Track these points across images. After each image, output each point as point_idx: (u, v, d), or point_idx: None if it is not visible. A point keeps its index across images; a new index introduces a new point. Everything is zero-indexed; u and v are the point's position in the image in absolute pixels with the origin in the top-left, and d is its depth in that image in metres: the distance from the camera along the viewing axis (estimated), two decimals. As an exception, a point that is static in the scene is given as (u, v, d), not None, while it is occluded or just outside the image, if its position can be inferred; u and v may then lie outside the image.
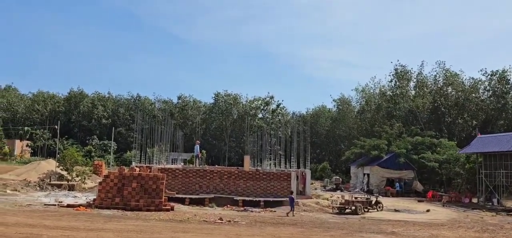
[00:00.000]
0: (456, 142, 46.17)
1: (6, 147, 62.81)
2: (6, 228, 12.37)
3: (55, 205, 20.47)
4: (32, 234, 11.62)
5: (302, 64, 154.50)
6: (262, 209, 23.66)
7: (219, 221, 17.53)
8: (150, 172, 22.64)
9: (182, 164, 44.43)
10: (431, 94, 57.76)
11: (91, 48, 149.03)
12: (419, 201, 35.63)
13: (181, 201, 23.89)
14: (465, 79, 57.34)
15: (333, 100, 79.20)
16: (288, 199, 23.32)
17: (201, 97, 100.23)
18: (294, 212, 22.14)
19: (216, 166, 45.92)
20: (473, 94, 55.44)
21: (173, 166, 31.04)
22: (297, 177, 28.69)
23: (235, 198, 25.07)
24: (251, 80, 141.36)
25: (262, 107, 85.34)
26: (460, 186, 39.52)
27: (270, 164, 39.58)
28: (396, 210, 27.34)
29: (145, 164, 33.09)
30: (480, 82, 55.44)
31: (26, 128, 76.04)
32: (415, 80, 60.49)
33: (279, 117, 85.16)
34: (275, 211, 23.26)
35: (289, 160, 34.31)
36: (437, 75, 58.76)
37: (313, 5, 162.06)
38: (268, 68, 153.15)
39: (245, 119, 73.29)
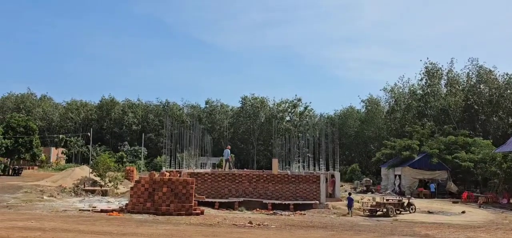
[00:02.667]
0: (491, 141, 44.66)
1: (43, 154, 65.01)
2: (43, 233, 12.78)
3: (89, 210, 20.98)
4: (68, 239, 11.95)
5: (330, 65, 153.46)
6: (291, 212, 23.55)
7: (249, 225, 17.53)
8: (180, 176, 22.91)
9: (211, 168, 44.80)
10: (464, 92, 56.09)
11: (121, 56, 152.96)
12: (453, 202, 34.62)
13: (211, 205, 24.05)
14: (499, 75, 55.45)
15: (362, 101, 78.18)
16: (346, 199, 24.90)
17: (228, 101, 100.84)
18: (351, 213, 23.68)
19: (245, 169, 46.06)
20: (508, 91, 53.50)
21: (202, 170, 31.33)
22: (326, 179, 28.41)
23: (264, 202, 25.04)
24: (278, 83, 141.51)
25: (289, 110, 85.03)
26: (497, 186, 38.12)
27: (298, 167, 39.37)
28: (429, 212, 26.65)
29: (175, 168, 33.56)
30: (514, 78, 53.49)
31: (61, 136, 78.56)
32: (446, 78, 58.93)
33: (307, 119, 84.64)
34: (305, 214, 23.10)
35: (318, 162, 34.02)
36: (470, 72, 57.04)
37: (340, 6, 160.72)
38: (295, 70, 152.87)
39: (273, 122, 73.25)
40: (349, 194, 25.97)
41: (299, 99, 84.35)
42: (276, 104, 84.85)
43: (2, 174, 47.57)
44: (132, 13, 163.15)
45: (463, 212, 27.14)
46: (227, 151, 32.73)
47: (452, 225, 20.26)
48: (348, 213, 23.68)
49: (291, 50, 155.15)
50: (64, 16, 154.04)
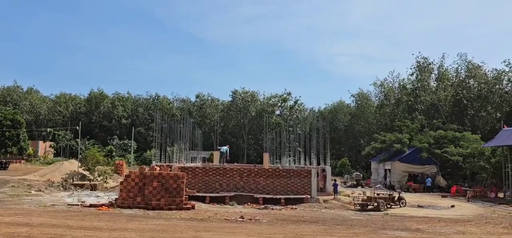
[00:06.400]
0: (480, 135, 45.09)
1: (30, 148, 64.12)
2: (31, 228, 12.51)
3: (78, 205, 20.70)
4: (56, 234, 11.70)
5: (320, 59, 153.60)
6: (282, 207, 23.49)
7: (240, 219, 17.43)
8: (170, 171, 22.70)
9: (201, 162, 44.59)
10: (453, 87, 56.57)
11: (110, 49, 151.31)
12: (442, 196, 34.91)
13: (202, 199, 23.90)
14: (488, 70, 56.05)
15: (352, 95, 78.52)
16: (333, 186, 29.24)
17: (218, 95, 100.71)
18: (337, 197, 27.56)
19: (235, 163, 45.87)
20: (497, 86, 54.10)
21: (193, 165, 31.13)
22: (317, 173, 28.42)
23: (255, 196, 24.94)
24: (268, 77, 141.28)
25: (279, 104, 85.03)
26: (485, 180, 38.54)
27: (289, 161, 39.35)
28: (419, 206, 26.83)
29: (165, 162, 33.31)
30: (503, 74, 54.07)
31: (48, 129, 77.49)
32: (436, 72, 59.37)
33: (297, 114, 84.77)
34: (296, 208, 23.07)
35: (308, 156, 34.01)
36: (459, 67, 57.56)
37: (331, 0, 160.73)
38: (285, 64, 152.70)
39: (263, 116, 73.19)
40: (335, 180, 31.44)
41: (289, 93, 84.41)
42: (266, 98, 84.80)
43: (-12, 168, 46.80)
44: (121, 6, 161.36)
45: (453, 206, 27.36)
46: (226, 148, 33.32)
47: (442, 219, 20.40)
48: (334, 198, 27.14)
49: (281, 44, 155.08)
50: (52, 8, 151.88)
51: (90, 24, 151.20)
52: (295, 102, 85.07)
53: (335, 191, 28.69)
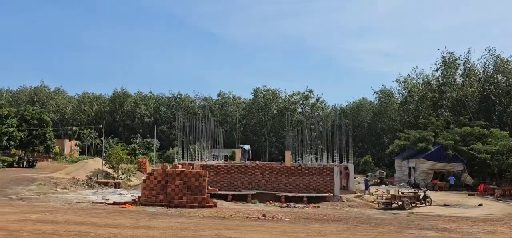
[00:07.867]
0: (508, 132, 43.65)
1: (56, 146, 65.57)
2: (56, 226, 12.70)
3: (102, 202, 20.99)
4: (80, 231, 11.83)
5: (342, 57, 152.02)
6: (305, 205, 23.28)
7: (263, 217, 17.31)
8: (192, 169, 22.77)
9: (223, 160, 44.69)
10: (480, 83, 54.94)
11: (133, 49, 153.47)
12: (469, 194, 33.95)
13: (224, 197, 23.90)
14: (516, 65, 54.11)
15: (375, 92, 77.31)
16: (364, 182, 31.65)
17: (240, 93, 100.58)
18: (366, 194, 28.27)
19: (257, 161, 45.83)
20: (527, 81, 52.22)
21: (215, 163, 31.19)
22: (340, 171, 28.04)
23: (277, 194, 24.80)
24: (289, 75, 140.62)
25: (301, 101, 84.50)
26: (515, 178, 37.32)
27: (311, 159, 39.05)
28: (445, 205, 26.13)
29: (187, 161, 33.51)
30: (533, 69, 52.16)
31: (74, 128, 79.11)
32: (462, 68, 57.78)
33: (319, 111, 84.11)
34: (318, 207, 22.81)
35: (331, 154, 33.62)
36: (487, 62, 55.80)
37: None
38: (307, 62, 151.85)
39: (285, 113, 72.85)
40: (367, 176, 34.84)
41: (311, 91, 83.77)
42: (288, 96, 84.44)
43: (16, 166, 48.11)
44: (143, 7, 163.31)
45: (480, 205, 26.54)
46: (248, 147, 33.83)
47: (470, 218, 19.78)
48: (363, 195, 27.77)
49: (303, 42, 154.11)
50: (76, 9, 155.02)
51: (114, 24, 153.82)
52: (317, 100, 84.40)
53: (366, 188, 30.11)
